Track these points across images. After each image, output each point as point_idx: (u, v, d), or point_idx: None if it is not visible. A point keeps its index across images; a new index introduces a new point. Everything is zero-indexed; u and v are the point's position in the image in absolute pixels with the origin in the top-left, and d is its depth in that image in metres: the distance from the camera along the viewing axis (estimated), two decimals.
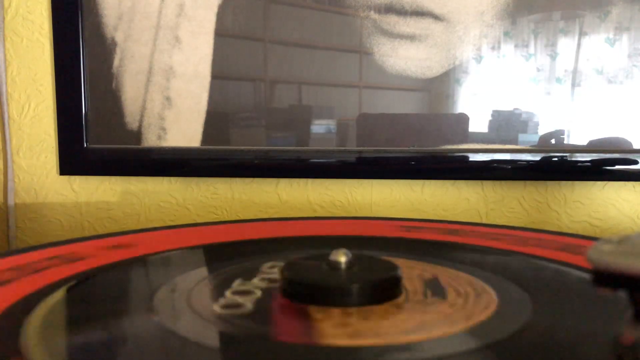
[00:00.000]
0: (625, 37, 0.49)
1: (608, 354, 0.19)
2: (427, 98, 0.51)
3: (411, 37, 0.51)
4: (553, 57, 0.50)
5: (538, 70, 0.50)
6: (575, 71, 0.50)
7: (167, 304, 0.25)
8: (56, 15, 0.53)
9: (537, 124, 0.50)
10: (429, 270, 0.30)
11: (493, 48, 0.50)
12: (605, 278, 0.17)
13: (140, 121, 0.53)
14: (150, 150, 0.53)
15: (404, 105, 0.51)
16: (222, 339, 0.21)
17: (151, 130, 0.53)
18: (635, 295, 0.17)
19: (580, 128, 0.50)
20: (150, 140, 0.53)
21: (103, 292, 0.28)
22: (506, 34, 0.50)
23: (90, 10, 0.53)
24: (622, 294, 0.17)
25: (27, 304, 0.24)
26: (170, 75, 0.53)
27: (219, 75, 0.52)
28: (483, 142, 0.51)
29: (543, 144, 0.50)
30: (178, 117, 0.53)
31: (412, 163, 0.51)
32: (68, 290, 0.27)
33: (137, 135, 0.53)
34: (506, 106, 0.51)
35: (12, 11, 0.54)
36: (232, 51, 0.52)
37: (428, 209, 0.54)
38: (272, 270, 0.29)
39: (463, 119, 0.51)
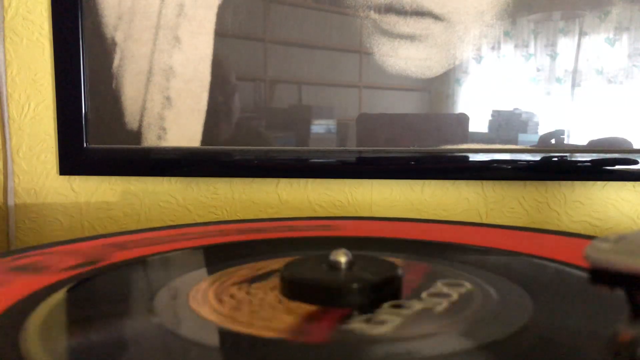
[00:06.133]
0: (625, 37, 0.49)
1: (607, 353, 0.19)
2: (427, 98, 0.51)
3: (411, 37, 0.51)
4: (553, 57, 0.50)
5: (538, 70, 0.50)
6: (575, 71, 0.50)
7: (168, 305, 0.25)
8: (56, 15, 0.53)
9: (537, 124, 0.50)
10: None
11: (493, 48, 0.50)
12: (603, 276, 0.17)
13: (140, 121, 0.53)
14: (150, 150, 0.53)
15: (404, 105, 0.51)
16: (222, 338, 0.21)
17: (151, 130, 0.53)
18: (632, 293, 0.17)
19: (580, 128, 0.50)
20: (150, 140, 0.53)
21: (103, 292, 0.28)
22: (506, 34, 0.50)
23: (90, 10, 0.53)
24: (620, 292, 0.17)
25: (27, 304, 0.24)
26: (170, 75, 0.53)
27: (219, 75, 0.52)
28: (483, 142, 0.51)
29: (543, 144, 0.50)
30: (178, 117, 0.53)
31: (412, 163, 0.51)
32: (68, 291, 0.27)
33: (137, 135, 0.53)
34: (506, 106, 0.51)
35: (12, 11, 0.54)
36: (232, 51, 0.52)
37: (428, 209, 0.54)
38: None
39: (463, 119, 0.51)
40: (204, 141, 0.53)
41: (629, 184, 0.52)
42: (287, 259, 0.28)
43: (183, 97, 0.53)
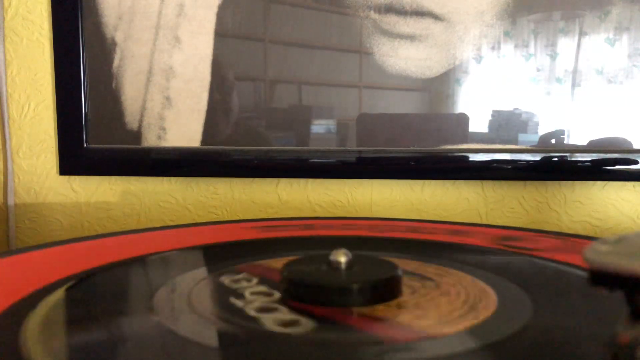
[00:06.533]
0: (625, 37, 0.49)
1: (606, 354, 0.19)
2: (427, 98, 0.51)
3: (411, 37, 0.51)
4: (553, 57, 0.50)
5: (538, 70, 0.50)
6: (575, 71, 0.50)
7: (167, 304, 0.25)
8: (56, 15, 0.53)
9: (537, 124, 0.50)
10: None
11: (493, 48, 0.50)
12: (602, 278, 0.17)
13: (140, 121, 0.53)
14: (150, 150, 0.53)
15: (404, 105, 0.51)
16: (221, 338, 0.21)
17: (151, 130, 0.53)
18: (631, 295, 0.17)
19: (580, 128, 0.50)
20: (150, 140, 0.53)
21: (103, 292, 0.28)
22: (506, 34, 0.50)
23: (90, 10, 0.53)
24: (619, 294, 0.17)
25: (27, 304, 0.24)
26: (170, 75, 0.53)
27: (219, 75, 0.52)
28: (483, 142, 0.51)
29: (543, 144, 0.50)
30: (178, 117, 0.53)
31: (412, 163, 0.51)
32: (68, 290, 0.27)
33: (137, 135, 0.53)
34: (506, 106, 0.51)
35: (12, 11, 0.54)
36: (232, 51, 0.52)
37: (428, 209, 0.54)
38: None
39: (463, 119, 0.51)
40: (204, 141, 0.53)
41: (629, 184, 0.52)
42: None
43: (183, 97, 0.53)
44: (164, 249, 0.35)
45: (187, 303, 0.25)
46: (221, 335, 0.22)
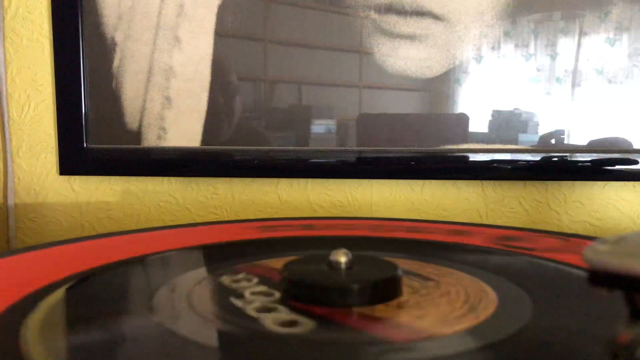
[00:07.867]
0: (625, 37, 0.49)
1: (606, 354, 0.19)
2: (427, 98, 0.51)
3: (411, 37, 0.51)
4: (553, 57, 0.50)
5: (538, 70, 0.50)
6: (575, 71, 0.50)
7: (167, 304, 0.25)
8: (56, 15, 0.53)
9: (537, 124, 0.50)
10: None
11: (493, 48, 0.50)
12: (602, 278, 0.17)
13: (140, 121, 0.53)
14: (150, 150, 0.53)
15: (404, 105, 0.51)
16: (222, 338, 0.21)
17: (151, 130, 0.53)
18: (631, 295, 0.17)
19: (580, 128, 0.50)
20: (150, 140, 0.53)
21: (103, 292, 0.28)
22: (506, 34, 0.50)
23: (90, 10, 0.53)
24: (619, 294, 0.17)
25: (27, 304, 0.24)
26: (170, 75, 0.53)
27: (219, 75, 0.52)
28: (483, 142, 0.51)
29: (543, 144, 0.50)
30: (178, 117, 0.53)
31: (412, 163, 0.51)
32: (68, 290, 0.27)
33: (137, 135, 0.53)
34: (506, 106, 0.51)
35: (12, 11, 0.54)
36: (232, 51, 0.52)
37: (428, 209, 0.54)
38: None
39: (463, 119, 0.51)
40: (204, 141, 0.53)
41: (629, 184, 0.52)
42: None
43: (183, 97, 0.53)
44: (164, 249, 0.35)
45: (187, 303, 0.25)
46: (221, 335, 0.22)
